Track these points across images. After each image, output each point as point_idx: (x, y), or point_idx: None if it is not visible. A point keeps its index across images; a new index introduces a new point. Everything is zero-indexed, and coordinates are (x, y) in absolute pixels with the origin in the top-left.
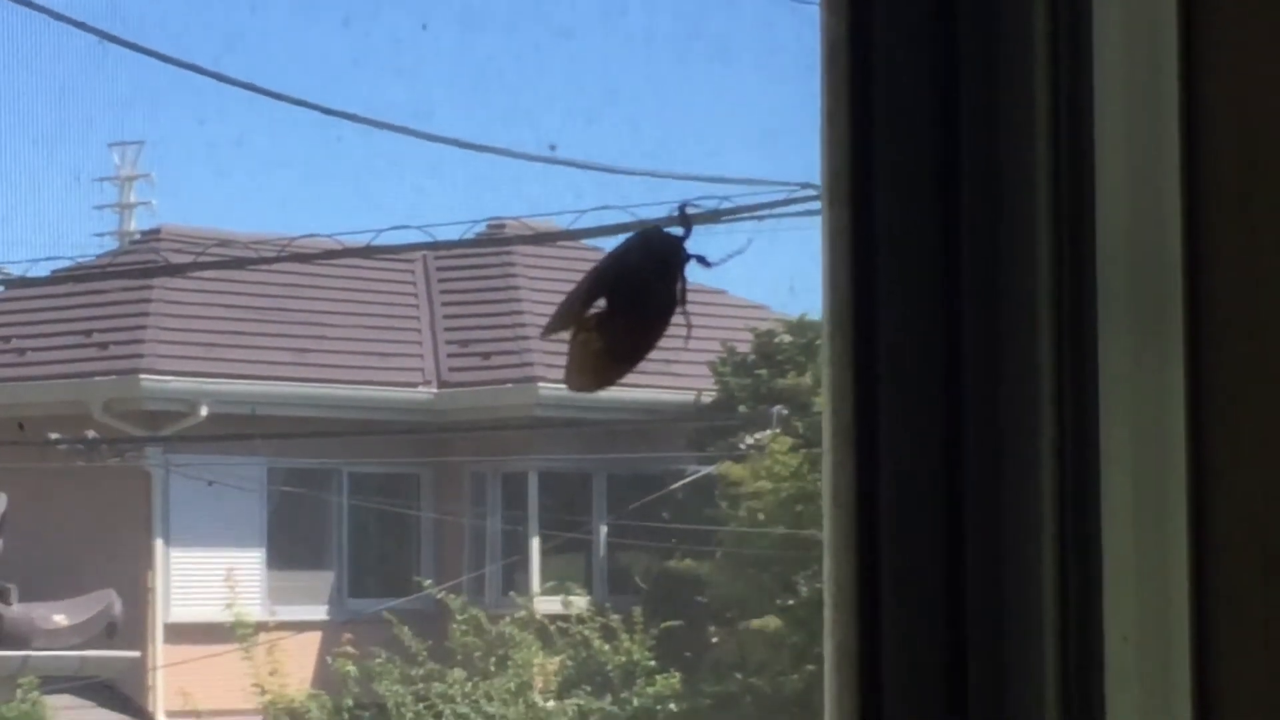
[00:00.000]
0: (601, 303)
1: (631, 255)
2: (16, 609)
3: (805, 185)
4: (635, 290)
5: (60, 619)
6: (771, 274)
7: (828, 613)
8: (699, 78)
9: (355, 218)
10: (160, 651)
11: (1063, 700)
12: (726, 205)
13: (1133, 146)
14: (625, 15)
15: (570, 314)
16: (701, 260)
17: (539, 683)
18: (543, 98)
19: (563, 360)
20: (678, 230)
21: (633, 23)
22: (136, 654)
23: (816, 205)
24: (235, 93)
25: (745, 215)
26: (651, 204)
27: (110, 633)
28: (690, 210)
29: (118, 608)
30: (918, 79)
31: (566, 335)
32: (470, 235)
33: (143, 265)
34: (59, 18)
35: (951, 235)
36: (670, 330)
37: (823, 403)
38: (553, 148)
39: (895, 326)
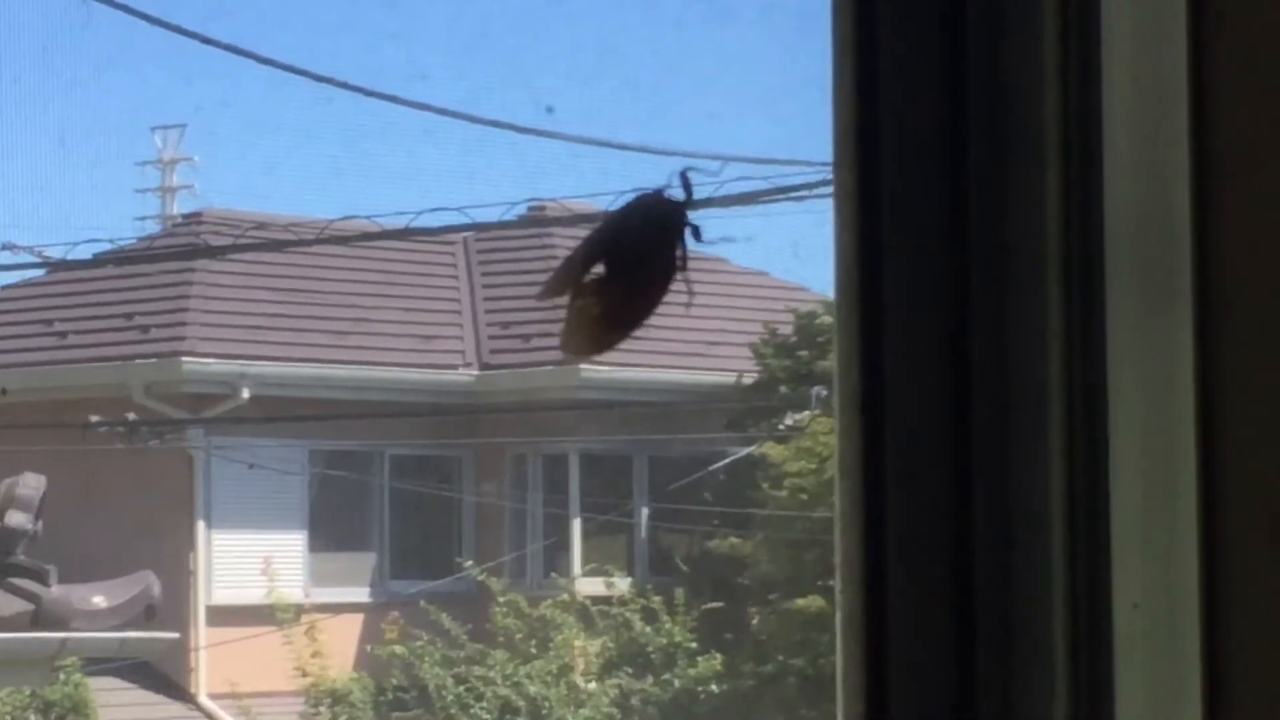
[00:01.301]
0: (600, 267)
1: (631, 220)
2: (55, 590)
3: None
4: (635, 255)
5: (99, 600)
6: (813, 255)
7: (837, 585)
8: (698, 38)
9: (347, 182)
10: (202, 634)
11: (1072, 669)
12: (765, 187)
13: (1142, 107)
14: None
15: (568, 278)
16: (695, 231)
17: (580, 665)
18: (540, 60)
19: None
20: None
21: None
22: (175, 635)
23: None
24: (222, 55)
25: (783, 196)
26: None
27: (149, 615)
28: (691, 176)
29: (156, 589)
30: (924, 42)
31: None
32: (510, 217)
33: (183, 248)
34: None
35: (959, 201)
36: (670, 297)
37: (833, 370)
38: (550, 110)
39: (901, 292)
